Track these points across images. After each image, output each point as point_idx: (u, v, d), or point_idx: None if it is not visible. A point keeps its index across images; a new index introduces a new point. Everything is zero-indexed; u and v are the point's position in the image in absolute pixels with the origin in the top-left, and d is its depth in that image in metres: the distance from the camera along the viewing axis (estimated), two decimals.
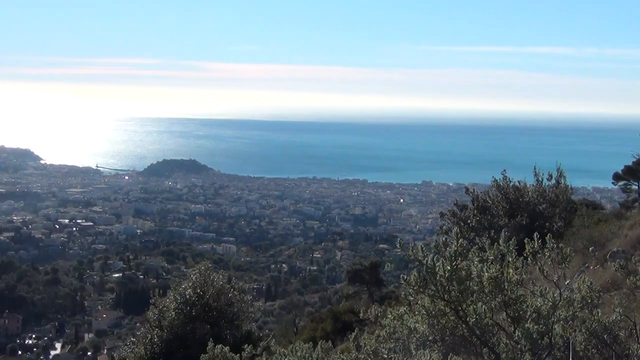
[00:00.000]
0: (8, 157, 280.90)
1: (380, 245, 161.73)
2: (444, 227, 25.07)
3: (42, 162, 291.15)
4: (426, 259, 8.91)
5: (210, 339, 18.60)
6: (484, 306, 8.89)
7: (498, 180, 22.86)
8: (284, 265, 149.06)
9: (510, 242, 9.33)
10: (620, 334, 8.53)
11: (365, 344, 11.00)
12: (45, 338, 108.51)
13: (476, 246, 9.56)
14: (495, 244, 9.32)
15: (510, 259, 9.10)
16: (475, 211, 22.74)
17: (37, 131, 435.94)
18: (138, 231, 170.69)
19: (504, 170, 23.40)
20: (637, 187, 30.59)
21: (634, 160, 31.43)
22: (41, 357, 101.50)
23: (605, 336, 8.49)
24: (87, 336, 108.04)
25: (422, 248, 9.32)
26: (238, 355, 17.25)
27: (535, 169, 23.23)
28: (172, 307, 24.68)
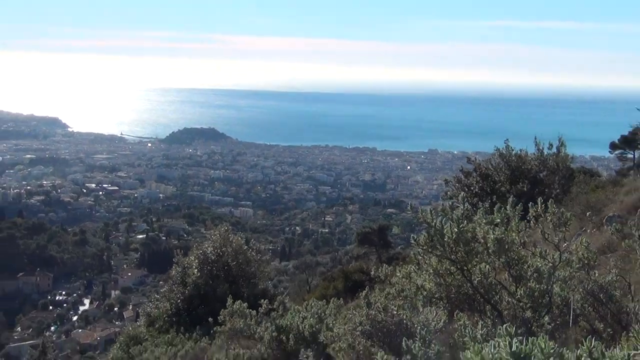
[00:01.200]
0: (38, 124, 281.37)
1: (388, 210, 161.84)
2: (449, 193, 25.12)
3: (69, 129, 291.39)
4: (435, 221, 8.97)
5: (230, 295, 18.73)
6: (488, 266, 8.96)
7: (501, 149, 22.89)
8: (297, 227, 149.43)
9: (517, 206, 9.40)
10: (616, 293, 8.58)
11: (375, 301, 11.06)
12: (75, 295, 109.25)
13: (481, 209, 9.59)
14: (502, 207, 9.37)
15: (514, 223, 9.16)
16: (478, 178, 22.77)
17: (65, 100, 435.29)
18: (160, 195, 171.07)
19: (507, 139, 23.42)
20: (632, 155, 30.55)
21: (630, 130, 31.40)
22: (71, 312, 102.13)
23: (601, 295, 8.53)
24: (114, 293, 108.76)
25: (431, 211, 9.38)
26: (255, 310, 17.39)
27: (535, 138, 23.25)
28: (195, 265, 24.86)
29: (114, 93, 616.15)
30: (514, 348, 4.38)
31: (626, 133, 31.87)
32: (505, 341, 4.57)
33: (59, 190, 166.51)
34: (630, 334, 5.68)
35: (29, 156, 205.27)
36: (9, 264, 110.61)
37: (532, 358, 4.05)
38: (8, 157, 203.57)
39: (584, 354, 4.27)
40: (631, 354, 4.66)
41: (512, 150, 22.74)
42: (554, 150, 22.49)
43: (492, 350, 4.53)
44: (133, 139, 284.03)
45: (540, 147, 22.68)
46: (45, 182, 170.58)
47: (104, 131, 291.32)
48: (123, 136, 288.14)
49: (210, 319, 19.47)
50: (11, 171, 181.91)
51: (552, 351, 3.85)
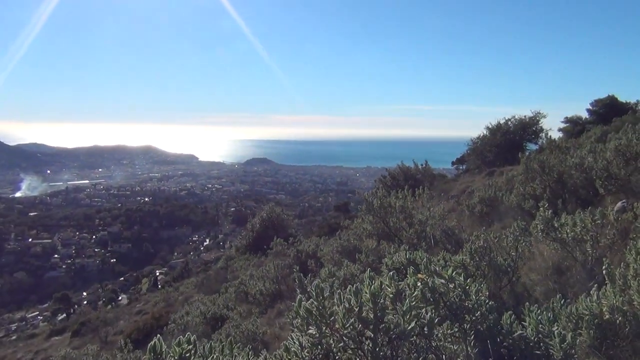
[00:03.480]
0: (184, 158, 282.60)
1: (348, 194, 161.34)
2: (376, 186, 25.20)
3: (199, 160, 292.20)
4: (369, 198, 8.92)
5: (274, 236, 18.65)
6: (395, 218, 8.90)
7: (399, 165, 22.89)
8: (306, 204, 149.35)
9: (408, 191, 9.35)
10: (455, 231, 8.53)
11: (342, 237, 11.00)
12: (201, 238, 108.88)
13: (392, 192, 9.53)
14: (401, 191, 9.33)
15: (407, 198, 9.11)
16: (390, 178, 22.75)
17: (198, 146, 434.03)
18: (242, 190, 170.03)
19: (401, 160, 23.44)
20: (462, 167, 30.50)
21: (459, 157, 31.59)
22: (201, 247, 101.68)
23: (449, 232, 8.48)
24: (219, 236, 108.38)
25: (367, 194, 9.33)
26: (286, 242, 17.30)
27: (413, 160, 23.31)
28: (257, 221, 24.78)
29: (220, 142, 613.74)
30: (407, 256, 4.33)
31: (457, 157, 32.04)
32: (404, 253, 4.51)
33: (193, 188, 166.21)
34: (463, 249, 5.63)
35: (180, 172, 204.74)
36: (172, 223, 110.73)
37: (416, 260, 4.00)
38: (170, 173, 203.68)
39: (441, 259, 4.22)
40: (465, 259, 4.63)
41: (406, 165, 22.72)
42: (423, 165, 22.50)
43: (398, 258, 4.48)
44: (229, 163, 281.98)
45: (418, 164, 22.67)
46: (187, 185, 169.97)
47: (215, 159, 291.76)
48: (224, 162, 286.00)
49: (265, 247, 19.38)
50: (171, 180, 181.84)
51: (424, 258, 3.79)
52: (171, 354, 1.90)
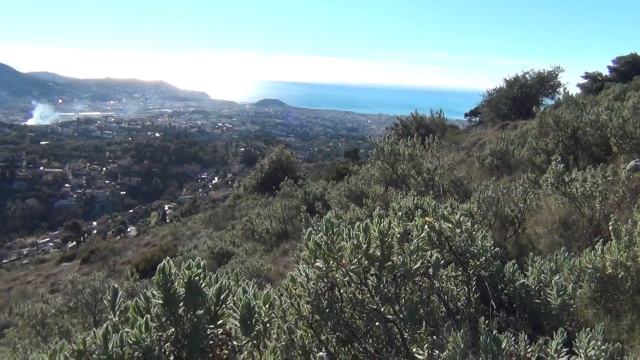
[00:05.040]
0: (196, 95, 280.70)
1: (358, 141, 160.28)
2: (387, 133, 24.99)
3: (211, 98, 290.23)
4: (380, 144, 8.89)
5: (283, 178, 18.77)
6: (403, 166, 8.89)
7: (413, 114, 22.65)
8: (315, 148, 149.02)
9: (418, 139, 9.32)
10: (464, 181, 8.52)
11: (350, 182, 11.04)
12: (210, 176, 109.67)
13: (402, 140, 9.48)
14: (411, 139, 9.29)
15: (417, 146, 9.07)
16: (402, 127, 22.55)
17: (209, 83, 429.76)
18: (252, 130, 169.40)
19: (416, 109, 23.14)
20: (474, 119, 30.14)
21: (472, 108, 31.21)
22: (210, 185, 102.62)
23: (457, 182, 8.48)
24: (229, 175, 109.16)
25: (378, 140, 9.30)
26: (295, 184, 17.43)
27: (430, 109, 22.99)
28: (267, 162, 24.88)
29: (233, 80, 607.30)
30: (415, 201, 4.35)
31: (471, 109, 31.68)
32: (412, 198, 4.53)
33: (204, 126, 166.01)
34: (471, 199, 5.65)
35: (191, 109, 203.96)
36: (182, 159, 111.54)
37: (423, 205, 4.03)
38: (182, 109, 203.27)
39: (448, 206, 4.24)
40: (471, 207, 4.64)
41: (418, 114, 22.48)
42: (437, 115, 22.27)
43: (405, 203, 4.50)
44: (241, 102, 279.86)
45: (432, 113, 22.43)
46: (198, 122, 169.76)
47: (227, 99, 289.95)
48: (235, 101, 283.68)
49: (273, 187, 19.54)
50: (182, 116, 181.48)
51: (433, 204, 3.80)
52: (180, 276, 1.95)
